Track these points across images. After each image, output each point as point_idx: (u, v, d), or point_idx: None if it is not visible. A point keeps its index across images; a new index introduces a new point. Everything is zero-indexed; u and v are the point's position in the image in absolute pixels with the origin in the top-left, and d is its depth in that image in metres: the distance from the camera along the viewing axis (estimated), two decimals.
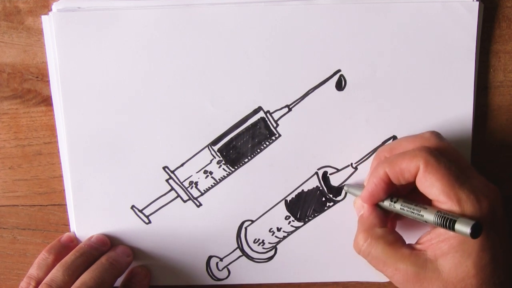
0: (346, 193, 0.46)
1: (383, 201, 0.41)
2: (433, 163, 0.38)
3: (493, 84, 0.46)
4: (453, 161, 0.39)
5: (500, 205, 0.39)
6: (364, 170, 0.46)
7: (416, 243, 0.40)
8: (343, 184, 0.46)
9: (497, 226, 0.38)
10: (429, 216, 0.38)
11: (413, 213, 0.39)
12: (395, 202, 0.40)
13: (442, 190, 0.37)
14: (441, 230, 0.38)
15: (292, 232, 0.48)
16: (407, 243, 0.41)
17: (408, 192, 0.42)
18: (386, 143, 0.44)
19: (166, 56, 0.44)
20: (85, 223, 0.47)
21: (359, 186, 0.44)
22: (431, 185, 0.38)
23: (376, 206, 0.42)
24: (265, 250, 0.48)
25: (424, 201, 0.39)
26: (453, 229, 0.36)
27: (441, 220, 0.37)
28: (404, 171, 0.39)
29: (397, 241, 0.40)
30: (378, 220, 0.41)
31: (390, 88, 0.45)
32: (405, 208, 0.40)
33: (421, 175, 0.38)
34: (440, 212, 0.37)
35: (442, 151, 0.39)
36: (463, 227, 0.35)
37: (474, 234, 0.35)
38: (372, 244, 0.40)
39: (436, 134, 0.41)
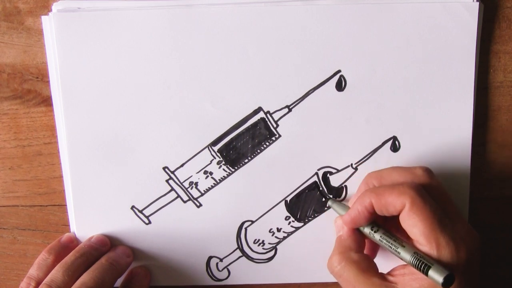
0: (346, 194, 0.46)
1: (363, 227, 0.42)
2: (419, 203, 0.38)
3: (493, 84, 0.46)
4: (440, 202, 0.39)
5: (478, 254, 0.39)
6: (364, 171, 0.46)
7: (389, 273, 0.41)
8: (328, 198, 0.46)
9: (470, 274, 0.39)
10: (405, 255, 0.39)
11: (391, 247, 0.40)
12: (375, 232, 0.41)
13: (423, 232, 0.38)
14: (415, 269, 0.38)
15: (292, 232, 0.48)
16: (380, 270, 0.41)
17: (390, 218, 0.42)
18: (376, 170, 0.43)
19: (166, 57, 0.44)
20: (85, 224, 0.47)
21: (343, 205, 0.45)
22: (414, 225, 0.38)
23: (356, 230, 0.42)
24: (265, 251, 0.48)
25: (403, 233, 0.40)
26: (426, 274, 0.37)
27: (416, 262, 0.38)
28: (389, 205, 0.39)
29: (370, 269, 0.41)
30: (356, 244, 0.42)
31: (390, 88, 0.45)
32: (384, 241, 0.40)
33: (406, 214, 0.38)
34: (417, 253, 0.38)
35: (431, 190, 0.40)
36: (436, 275, 0.36)
37: (445, 283, 0.36)
38: (345, 268, 0.40)
39: (428, 172, 0.41)
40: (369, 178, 0.43)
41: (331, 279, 0.48)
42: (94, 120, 0.45)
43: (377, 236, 0.41)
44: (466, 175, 0.46)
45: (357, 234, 0.42)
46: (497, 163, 0.47)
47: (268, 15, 0.43)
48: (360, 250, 0.42)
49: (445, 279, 0.36)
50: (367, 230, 0.41)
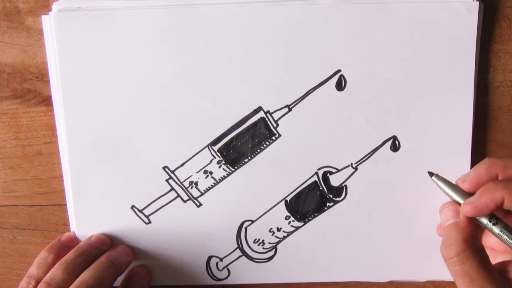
0: (346, 194, 0.46)
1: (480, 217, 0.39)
2: None
3: (493, 84, 0.46)
4: None
5: None
6: (364, 171, 0.46)
7: (505, 269, 0.39)
8: (432, 173, 0.43)
9: None
10: None
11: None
12: (494, 224, 0.39)
13: None
14: None
15: (292, 232, 0.48)
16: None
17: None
18: (499, 156, 0.40)
19: (166, 56, 0.44)
20: (85, 223, 0.47)
21: (452, 185, 0.41)
22: None
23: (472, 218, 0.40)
24: (265, 250, 0.48)
25: None
26: None
27: None
28: None
29: (489, 262, 0.38)
30: (476, 233, 0.39)
31: (390, 88, 0.45)
32: (504, 236, 0.38)
33: None
34: None
35: None
36: None
37: None
38: (467, 257, 0.37)
39: None
40: (492, 164, 0.39)
41: (331, 279, 0.48)
42: (94, 120, 0.45)
43: (496, 230, 0.38)
44: None
45: (475, 222, 0.39)
46: None
47: (268, 15, 0.43)
48: (479, 239, 0.39)
49: None
50: (484, 221, 0.39)
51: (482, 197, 0.38)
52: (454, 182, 0.42)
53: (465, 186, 0.40)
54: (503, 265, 0.39)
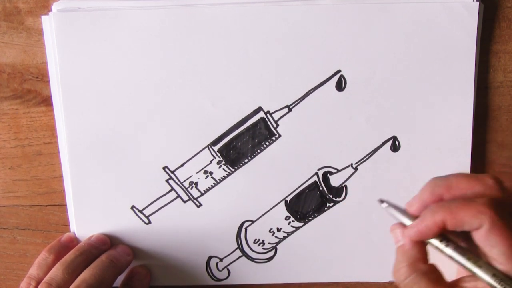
0: (346, 194, 0.46)
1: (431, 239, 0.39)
2: (499, 224, 0.36)
3: (493, 84, 0.46)
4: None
5: None
6: (364, 171, 0.46)
7: (458, 285, 0.39)
8: (382, 200, 0.42)
9: None
10: (483, 275, 0.36)
11: (465, 266, 0.37)
12: (445, 246, 0.38)
13: (504, 253, 0.35)
14: None
15: (292, 232, 0.48)
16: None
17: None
18: (442, 176, 0.40)
19: (166, 56, 0.44)
20: (85, 223, 0.47)
21: (401, 210, 0.41)
22: (493, 245, 0.36)
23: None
24: (265, 251, 0.48)
25: (472, 245, 0.37)
26: None
27: (498, 284, 0.35)
28: (464, 224, 0.36)
29: (441, 281, 0.38)
30: (422, 254, 0.39)
31: (390, 88, 0.45)
32: (456, 257, 0.38)
33: (484, 234, 0.36)
34: (496, 275, 0.35)
35: (504, 204, 0.37)
36: None
37: None
38: (415, 281, 0.38)
39: (498, 182, 0.38)
40: (435, 185, 0.39)
41: (331, 279, 0.48)
42: (94, 120, 0.45)
43: (448, 251, 0.38)
44: None
45: (421, 243, 0.39)
46: (497, 163, 0.47)
47: (268, 15, 0.43)
48: (426, 260, 0.39)
49: None
50: (435, 243, 0.38)
51: (424, 220, 0.38)
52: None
53: (412, 210, 0.40)
54: (458, 281, 0.39)
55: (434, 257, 0.39)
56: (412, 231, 0.39)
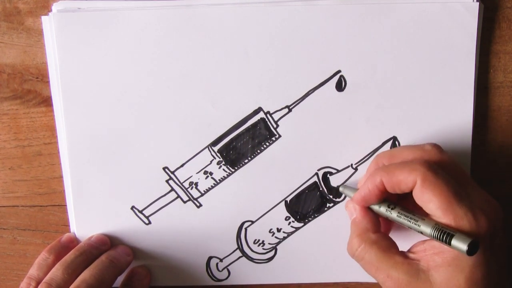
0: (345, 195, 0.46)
1: (379, 206, 0.41)
2: (431, 178, 0.37)
3: (493, 84, 0.46)
4: (452, 176, 0.38)
5: (500, 222, 0.39)
6: (364, 171, 0.46)
7: (409, 251, 0.40)
8: (339, 185, 0.46)
9: (494, 243, 0.38)
10: (426, 228, 0.38)
11: (410, 222, 0.39)
12: (392, 209, 0.40)
13: (439, 206, 0.37)
14: (436, 243, 0.38)
15: (292, 232, 0.48)
16: (399, 250, 0.41)
17: (403, 196, 0.41)
18: (386, 150, 0.43)
19: (166, 57, 0.44)
20: (85, 224, 0.47)
21: (354, 189, 0.44)
22: (429, 200, 0.37)
23: (369, 210, 0.42)
24: (265, 251, 0.48)
25: (419, 210, 0.39)
26: (449, 244, 0.36)
27: (438, 234, 0.37)
28: (400, 183, 0.39)
29: (391, 248, 0.40)
30: (372, 224, 0.41)
31: (390, 88, 0.45)
32: (402, 217, 0.40)
33: (418, 190, 0.38)
34: (437, 225, 0.37)
35: (442, 165, 0.39)
36: (460, 244, 0.35)
37: (470, 251, 0.35)
38: (366, 249, 0.40)
39: (437, 147, 0.41)
40: (379, 157, 0.42)
41: (331, 279, 0.48)
42: (94, 120, 0.45)
43: (394, 214, 0.40)
44: None
45: (371, 214, 0.42)
46: (497, 163, 0.47)
47: (268, 16, 0.43)
48: (377, 230, 0.41)
49: (469, 246, 0.35)
50: (383, 209, 0.41)
51: (365, 184, 0.41)
52: None
53: (360, 185, 0.43)
54: (410, 248, 0.41)
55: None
56: (356, 197, 0.41)
